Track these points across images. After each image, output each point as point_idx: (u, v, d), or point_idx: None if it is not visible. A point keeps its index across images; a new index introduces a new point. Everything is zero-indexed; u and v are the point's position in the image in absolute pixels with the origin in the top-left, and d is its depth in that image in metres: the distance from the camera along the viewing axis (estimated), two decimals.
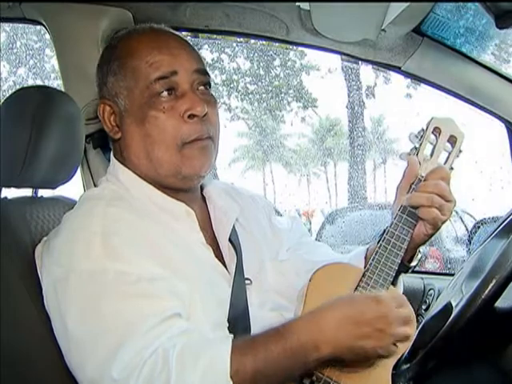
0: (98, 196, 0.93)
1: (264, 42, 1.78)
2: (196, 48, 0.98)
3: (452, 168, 0.97)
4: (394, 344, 0.83)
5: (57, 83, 1.73)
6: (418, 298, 1.60)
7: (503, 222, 1.18)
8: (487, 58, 1.47)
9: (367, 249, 1.04)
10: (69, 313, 0.80)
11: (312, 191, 9.52)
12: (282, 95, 8.53)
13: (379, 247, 0.93)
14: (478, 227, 1.83)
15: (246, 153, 9.67)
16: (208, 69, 0.98)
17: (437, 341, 1.03)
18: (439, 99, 1.53)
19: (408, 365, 1.08)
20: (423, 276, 1.69)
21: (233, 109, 8.26)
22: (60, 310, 0.81)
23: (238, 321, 0.92)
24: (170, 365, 0.73)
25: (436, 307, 1.20)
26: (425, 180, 0.94)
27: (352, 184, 7.16)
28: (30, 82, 6.79)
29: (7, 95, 1.01)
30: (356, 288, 0.91)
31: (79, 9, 1.35)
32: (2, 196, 1.02)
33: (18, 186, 1.02)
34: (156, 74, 0.90)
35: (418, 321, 0.97)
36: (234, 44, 7.04)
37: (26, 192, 1.07)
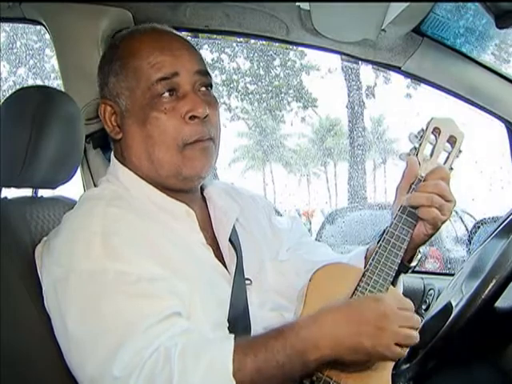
0: (97, 196, 0.93)
1: (264, 42, 1.78)
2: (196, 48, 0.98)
3: (452, 168, 0.97)
4: (398, 345, 0.80)
5: (57, 83, 1.73)
6: (418, 298, 1.60)
7: (503, 222, 1.18)
8: (487, 58, 1.47)
9: (367, 249, 1.04)
10: (69, 313, 0.80)
11: (312, 191, 9.52)
12: (282, 95, 8.53)
13: (379, 247, 0.93)
14: (478, 227, 1.83)
15: (246, 153, 9.67)
16: (208, 69, 0.98)
17: (437, 341, 1.04)
18: (439, 99, 1.53)
19: (408, 365, 1.08)
20: (423, 276, 1.69)
21: (233, 109, 8.26)
22: (60, 310, 0.82)
23: (238, 321, 0.92)
24: (172, 364, 0.73)
25: (436, 307, 1.20)
26: (424, 180, 0.94)
27: (352, 184, 7.16)
28: (30, 82, 6.79)
29: (7, 95, 1.01)
30: (356, 288, 0.91)
31: (79, 9, 1.35)
32: (2, 196, 1.02)
33: (18, 186, 1.02)
34: (158, 74, 0.90)
35: None
36: (234, 44, 7.04)
37: (26, 192, 1.07)
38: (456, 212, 3.47)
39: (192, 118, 0.90)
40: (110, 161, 1.00)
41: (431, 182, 0.92)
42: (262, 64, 8.20)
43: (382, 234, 0.94)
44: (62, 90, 1.37)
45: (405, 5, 1.20)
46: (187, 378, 0.73)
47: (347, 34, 1.39)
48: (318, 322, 0.80)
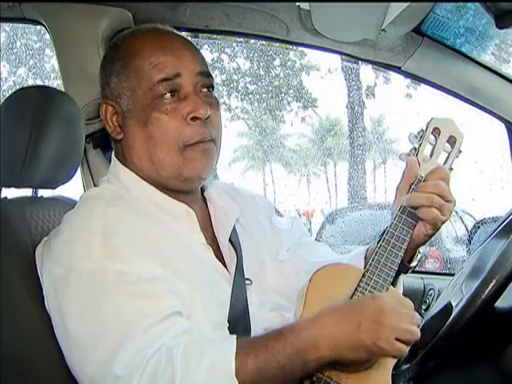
0: (98, 196, 0.93)
1: (264, 42, 1.78)
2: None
3: (451, 168, 0.97)
4: (399, 340, 0.80)
5: (57, 83, 1.73)
6: (418, 298, 1.60)
7: (503, 222, 1.18)
8: (487, 58, 1.47)
9: (367, 249, 1.04)
10: (69, 313, 0.80)
11: (312, 191, 9.51)
12: (282, 95, 8.53)
13: (379, 247, 0.93)
14: (478, 227, 1.83)
15: (246, 153, 9.66)
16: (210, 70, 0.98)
17: (437, 341, 1.04)
18: (439, 99, 1.53)
19: (408, 365, 1.08)
20: (423, 276, 1.69)
21: (233, 109, 8.25)
22: (60, 310, 0.82)
23: (238, 321, 0.92)
24: (175, 363, 0.73)
25: (436, 307, 1.20)
26: (424, 180, 0.94)
27: (352, 184, 7.16)
28: (30, 82, 6.79)
29: (7, 95, 1.01)
30: (356, 288, 0.91)
31: (79, 9, 1.36)
32: (2, 196, 1.02)
33: (18, 186, 1.02)
34: (159, 75, 0.90)
35: None
36: (234, 44, 7.04)
37: (26, 192, 1.07)
38: (456, 212, 3.47)
39: (193, 119, 0.90)
40: (110, 161, 1.00)
41: (431, 182, 0.92)
42: (261, 64, 8.20)
43: (382, 235, 0.94)
44: (62, 89, 1.37)
45: (405, 5, 1.20)
46: (190, 378, 0.73)
47: (347, 34, 1.39)
48: (318, 323, 0.80)
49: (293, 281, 1.05)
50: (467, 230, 3.65)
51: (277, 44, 1.58)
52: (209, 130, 0.92)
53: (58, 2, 1.35)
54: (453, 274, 1.31)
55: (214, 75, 0.97)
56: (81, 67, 1.37)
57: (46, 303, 0.85)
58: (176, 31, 0.98)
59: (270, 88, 8.53)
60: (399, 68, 1.47)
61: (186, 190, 0.95)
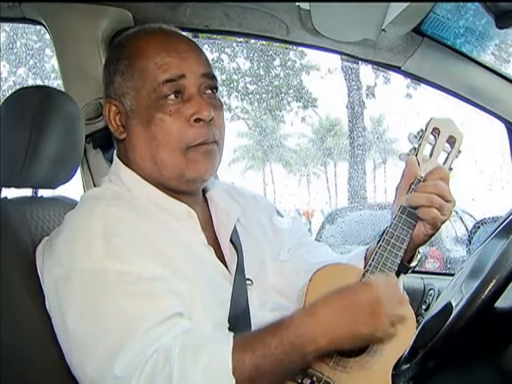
0: (99, 196, 0.93)
1: (264, 42, 1.78)
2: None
3: (451, 168, 0.97)
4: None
5: (57, 83, 1.73)
6: (417, 298, 1.60)
7: (503, 221, 1.18)
8: (487, 58, 1.47)
9: (367, 249, 1.04)
10: (69, 312, 0.80)
11: (312, 191, 9.51)
12: (282, 95, 8.53)
13: (379, 247, 0.93)
14: (478, 227, 1.82)
15: (246, 153, 9.66)
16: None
17: (437, 341, 1.03)
18: (439, 99, 1.53)
19: (408, 365, 1.08)
20: (423, 276, 1.68)
21: (233, 109, 8.26)
22: (61, 310, 0.82)
23: (239, 321, 0.92)
24: (172, 362, 0.73)
25: (436, 307, 1.19)
26: (424, 180, 0.94)
27: (352, 184, 7.16)
28: (30, 82, 6.79)
29: (7, 95, 1.01)
30: None
31: (79, 9, 1.36)
32: (2, 196, 1.02)
33: (18, 186, 1.02)
34: (164, 76, 0.90)
35: (417, 321, 0.97)
36: (234, 44, 7.04)
37: (26, 192, 1.07)
38: (456, 212, 3.47)
39: (197, 120, 0.90)
40: (110, 161, 1.00)
41: (431, 182, 0.92)
42: (262, 64, 8.20)
43: (382, 234, 0.94)
44: (62, 89, 1.37)
45: (405, 5, 1.20)
46: (187, 377, 0.73)
47: (347, 34, 1.39)
48: (315, 316, 0.80)
49: (293, 281, 1.05)
50: (467, 229, 3.65)
51: (277, 44, 1.59)
52: (212, 132, 0.92)
53: (58, 1, 1.35)
54: (453, 274, 1.31)
55: None
56: (81, 67, 1.37)
57: (46, 303, 0.85)
58: (181, 32, 0.98)
59: (270, 88, 8.53)
60: (399, 68, 1.47)
61: (188, 191, 0.95)
